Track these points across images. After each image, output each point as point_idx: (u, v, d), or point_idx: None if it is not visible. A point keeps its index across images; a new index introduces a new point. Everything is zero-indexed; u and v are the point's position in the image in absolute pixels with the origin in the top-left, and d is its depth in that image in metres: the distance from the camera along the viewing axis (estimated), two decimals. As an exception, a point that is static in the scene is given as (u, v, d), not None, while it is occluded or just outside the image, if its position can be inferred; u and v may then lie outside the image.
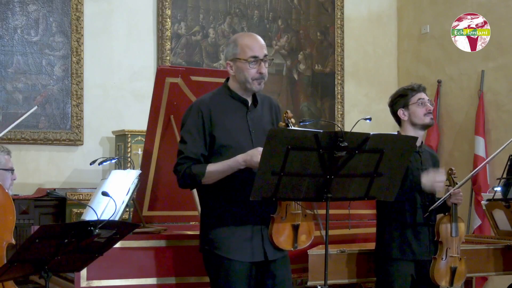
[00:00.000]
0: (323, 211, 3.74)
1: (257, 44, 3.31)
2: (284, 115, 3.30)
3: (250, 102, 3.38)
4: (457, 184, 3.93)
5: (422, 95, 4.00)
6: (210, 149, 3.28)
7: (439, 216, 4.04)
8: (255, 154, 3.12)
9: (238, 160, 3.18)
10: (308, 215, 3.41)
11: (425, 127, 4.05)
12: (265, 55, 3.31)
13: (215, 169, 3.21)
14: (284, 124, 3.30)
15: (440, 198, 3.94)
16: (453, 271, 3.95)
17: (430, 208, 3.90)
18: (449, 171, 4.00)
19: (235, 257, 3.26)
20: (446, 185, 3.99)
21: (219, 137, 3.26)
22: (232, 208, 3.27)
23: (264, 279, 3.35)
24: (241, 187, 3.22)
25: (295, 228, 3.34)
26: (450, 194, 3.90)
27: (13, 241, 3.59)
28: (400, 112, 4.01)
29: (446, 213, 4.00)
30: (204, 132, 3.26)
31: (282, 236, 3.31)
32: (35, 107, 4.54)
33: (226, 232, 3.27)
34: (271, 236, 3.30)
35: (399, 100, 4.03)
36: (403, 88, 4.09)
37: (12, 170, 4.03)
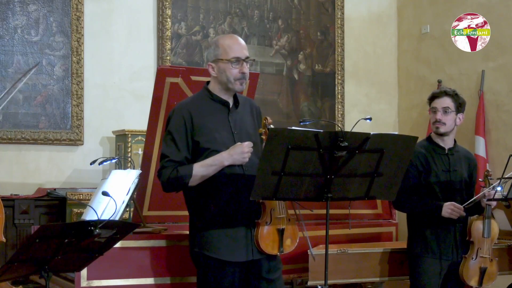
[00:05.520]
0: (306, 211, 3.75)
1: (238, 45, 3.31)
2: (264, 121, 3.28)
3: (231, 103, 3.37)
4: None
5: (436, 102, 4.03)
6: (194, 153, 3.27)
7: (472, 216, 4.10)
8: (239, 149, 3.15)
9: (222, 155, 3.18)
10: (292, 219, 3.41)
11: (438, 134, 4.07)
12: (247, 57, 3.31)
13: (201, 167, 3.20)
14: (264, 130, 3.28)
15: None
16: (482, 272, 3.99)
17: (462, 207, 3.95)
18: (486, 173, 4.06)
19: (223, 257, 3.25)
20: (482, 186, 4.04)
21: (202, 141, 3.26)
22: (219, 210, 3.26)
23: (255, 280, 3.35)
24: (227, 188, 3.23)
25: (281, 233, 3.32)
26: (484, 194, 3.95)
27: (4, 239, 3.59)
28: (429, 112, 4.12)
29: (480, 214, 4.06)
30: (186, 136, 3.26)
31: (267, 241, 3.29)
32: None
33: (214, 233, 3.26)
34: (257, 242, 3.28)
35: (428, 102, 4.13)
36: (433, 91, 4.16)
37: None
